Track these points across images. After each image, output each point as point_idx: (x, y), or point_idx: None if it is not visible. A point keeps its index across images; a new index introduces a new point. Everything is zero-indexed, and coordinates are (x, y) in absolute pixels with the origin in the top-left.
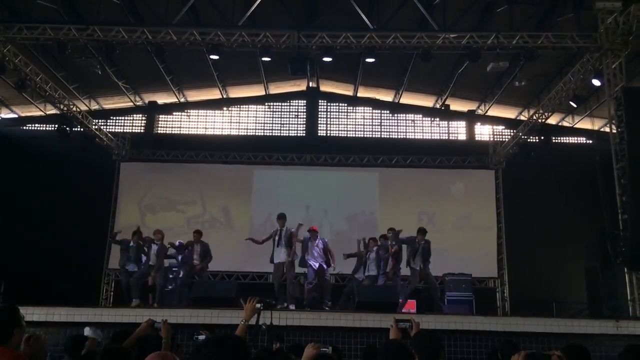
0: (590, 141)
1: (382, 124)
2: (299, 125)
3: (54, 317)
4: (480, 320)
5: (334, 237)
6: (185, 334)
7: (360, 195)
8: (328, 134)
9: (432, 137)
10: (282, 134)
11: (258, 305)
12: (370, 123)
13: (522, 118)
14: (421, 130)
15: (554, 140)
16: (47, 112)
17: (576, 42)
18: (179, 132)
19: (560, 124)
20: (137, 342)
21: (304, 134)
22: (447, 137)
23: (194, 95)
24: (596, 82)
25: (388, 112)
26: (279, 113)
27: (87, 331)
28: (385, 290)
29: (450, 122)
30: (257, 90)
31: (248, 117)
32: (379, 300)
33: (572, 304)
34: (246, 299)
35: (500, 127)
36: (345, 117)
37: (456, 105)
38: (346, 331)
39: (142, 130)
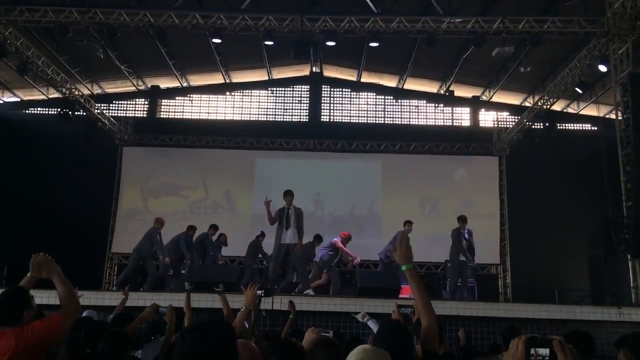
0: (595, 128)
1: (386, 109)
2: (302, 111)
3: (56, 300)
4: (482, 307)
5: (335, 222)
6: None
7: (363, 180)
8: (331, 120)
9: (436, 123)
10: (285, 120)
11: (259, 292)
12: (374, 109)
13: (527, 104)
14: (425, 116)
15: (558, 127)
16: (50, 96)
17: (583, 27)
18: (181, 116)
19: (565, 110)
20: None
21: (307, 120)
22: (451, 123)
23: (196, 80)
24: (602, 68)
25: (392, 97)
26: (282, 98)
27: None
28: (386, 276)
29: (454, 108)
30: (260, 75)
31: (251, 102)
32: (381, 286)
33: (574, 291)
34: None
35: (505, 114)
36: (349, 102)
37: (460, 91)
38: (348, 316)
39: (144, 115)
